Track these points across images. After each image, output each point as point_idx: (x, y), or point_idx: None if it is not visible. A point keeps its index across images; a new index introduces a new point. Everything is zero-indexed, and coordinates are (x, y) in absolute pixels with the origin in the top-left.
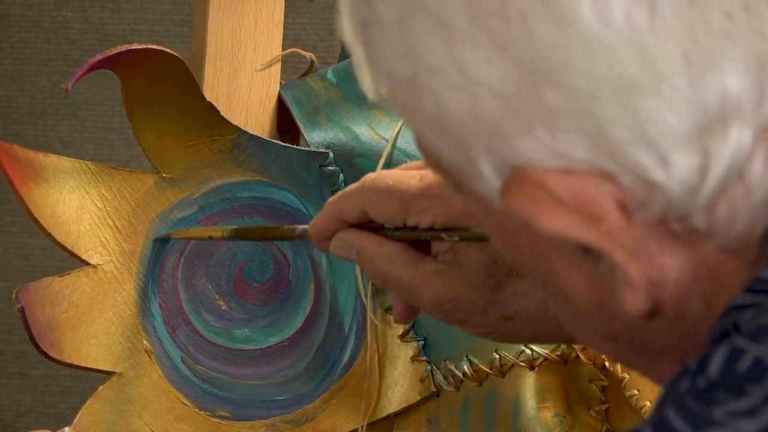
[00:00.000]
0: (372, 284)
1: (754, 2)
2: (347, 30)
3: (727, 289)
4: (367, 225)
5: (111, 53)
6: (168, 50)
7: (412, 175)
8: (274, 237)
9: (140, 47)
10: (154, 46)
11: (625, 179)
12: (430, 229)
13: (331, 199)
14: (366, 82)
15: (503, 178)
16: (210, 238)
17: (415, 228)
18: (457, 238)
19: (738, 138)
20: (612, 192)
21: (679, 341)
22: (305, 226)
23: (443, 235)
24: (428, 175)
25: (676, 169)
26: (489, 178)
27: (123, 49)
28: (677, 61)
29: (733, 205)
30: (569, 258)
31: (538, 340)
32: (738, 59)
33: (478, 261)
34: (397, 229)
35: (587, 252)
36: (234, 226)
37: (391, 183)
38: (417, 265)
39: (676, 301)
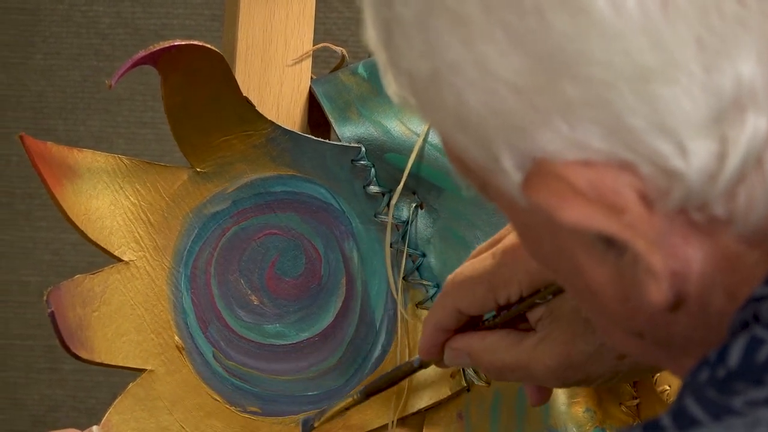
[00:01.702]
0: (403, 279)
1: None
2: (371, 35)
3: (749, 280)
4: (469, 324)
5: (155, 49)
6: (210, 46)
7: (485, 257)
8: (399, 378)
9: (183, 43)
10: (197, 42)
11: (645, 169)
12: (521, 299)
13: (425, 317)
14: (391, 87)
15: (524, 173)
16: (347, 409)
17: (509, 306)
18: (551, 297)
19: (754, 124)
20: (632, 182)
21: (703, 334)
22: (418, 359)
23: (537, 300)
24: (499, 250)
25: (694, 157)
26: (511, 173)
27: (167, 45)
28: (691, 48)
29: (751, 193)
30: (592, 252)
31: (661, 366)
32: (751, 45)
33: (572, 308)
34: (495, 316)
35: (610, 245)
36: (361, 388)
37: (468, 273)
38: (520, 345)
39: (699, 292)
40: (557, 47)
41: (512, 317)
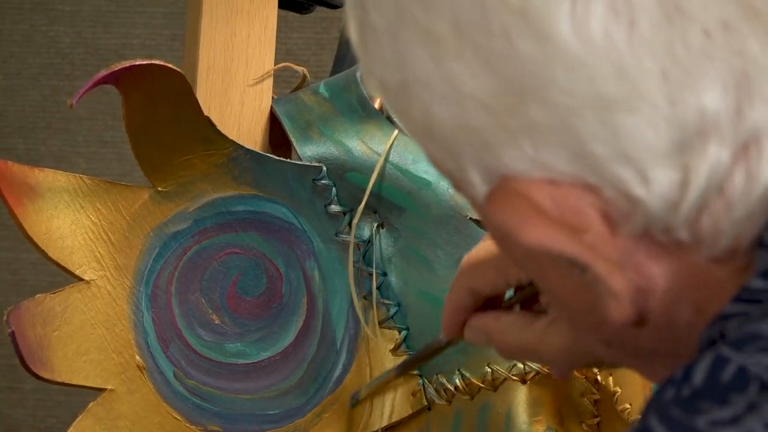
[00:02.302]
0: (364, 298)
1: (734, 21)
2: (352, 34)
3: (718, 295)
4: (489, 304)
5: (116, 69)
6: (171, 66)
7: None
8: (431, 355)
9: (144, 63)
10: (158, 62)
11: (608, 192)
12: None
13: (445, 297)
14: (369, 89)
15: (490, 186)
16: (386, 383)
17: (522, 287)
18: None
19: (717, 155)
20: (595, 203)
21: (670, 347)
22: (444, 339)
23: None
24: None
25: (656, 185)
26: (478, 186)
27: (128, 65)
28: (655, 80)
29: (715, 220)
30: (557, 265)
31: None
32: (716, 78)
33: None
34: (512, 297)
35: (573, 262)
36: (398, 364)
37: (481, 254)
38: (531, 327)
39: (666, 308)
40: (523, 71)
41: (526, 298)
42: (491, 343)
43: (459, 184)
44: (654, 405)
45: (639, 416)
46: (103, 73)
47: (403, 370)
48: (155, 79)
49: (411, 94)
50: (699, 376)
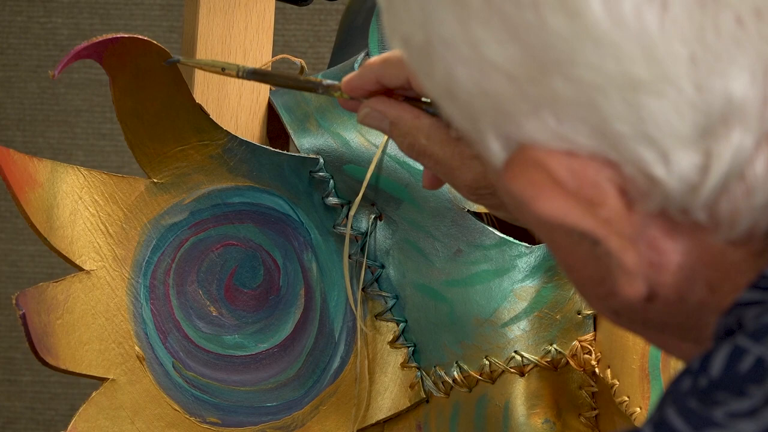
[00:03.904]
0: (362, 290)
1: (767, 10)
2: None
3: (732, 276)
4: (399, 94)
5: (98, 40)
6: (155, 42)
7: None
8: (296, 87)
9: (126, 36)
10: (141, 36)
11: (627, 169)
12: None
13: (373, 60)
14: (391, 45)
15: (509, 153)
16: (222, 72)
17: None
18: None
19: (740, 141)
20: (613, 178)
21: (681, 320)
22: (332, 82)
23: None
24: None
25: (676, 166)
26: (495, 152)
27: (110, 37)
28: (684, 64)
29: (734, 205)
30: (570, 237)
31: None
32: (745, 66)
33: None
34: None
35: (586, 235)
36: (252, 68)
37: None
38: (456, 145)
39: (678, 284)
40: (550, 44)
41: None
42: (391, 134)
43: (477, 149)
44: (671, 395)
45: (655, 406)
46: (85, 44)
47: (253, 77)
48: (140, 57)
49: (434, 54)
50: (716, 366)
